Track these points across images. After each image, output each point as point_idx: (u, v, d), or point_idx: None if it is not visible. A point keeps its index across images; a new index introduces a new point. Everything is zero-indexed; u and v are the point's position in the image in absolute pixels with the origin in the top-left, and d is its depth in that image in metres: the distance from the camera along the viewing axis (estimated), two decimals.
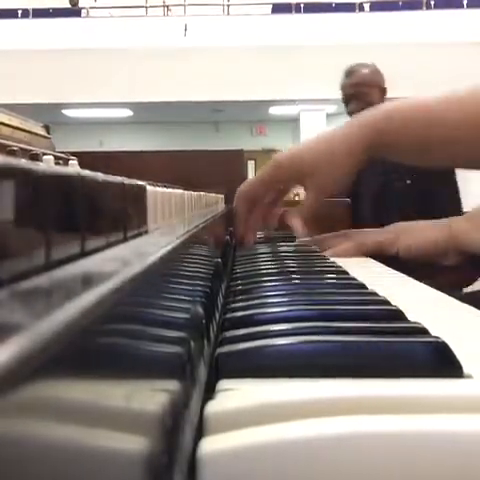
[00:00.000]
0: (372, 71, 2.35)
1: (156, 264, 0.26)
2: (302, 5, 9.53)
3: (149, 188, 0.38)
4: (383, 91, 2.34)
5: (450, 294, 0.62)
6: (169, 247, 0.31)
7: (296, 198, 2.27)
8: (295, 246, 1.00)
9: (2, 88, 7.51)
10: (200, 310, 0.40)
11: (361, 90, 2.31)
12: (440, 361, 0.33)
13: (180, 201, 0.54)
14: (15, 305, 0.15)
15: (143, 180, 0.38)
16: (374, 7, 9.52)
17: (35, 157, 0.92)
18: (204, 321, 0.40)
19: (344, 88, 2.41)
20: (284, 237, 1.09)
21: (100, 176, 0.26)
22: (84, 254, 0.22)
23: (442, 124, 0.90)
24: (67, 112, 9.82)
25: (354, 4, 9.49)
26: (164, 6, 10.12)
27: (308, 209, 0.98)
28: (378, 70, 2.37)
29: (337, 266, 0.75)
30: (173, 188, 0.52)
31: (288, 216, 1.03)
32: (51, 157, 0.90)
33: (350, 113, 2.35)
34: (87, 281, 0.19)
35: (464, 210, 1.90)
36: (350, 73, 2.38)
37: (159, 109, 9.50)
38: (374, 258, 0.95)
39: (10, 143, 0.91)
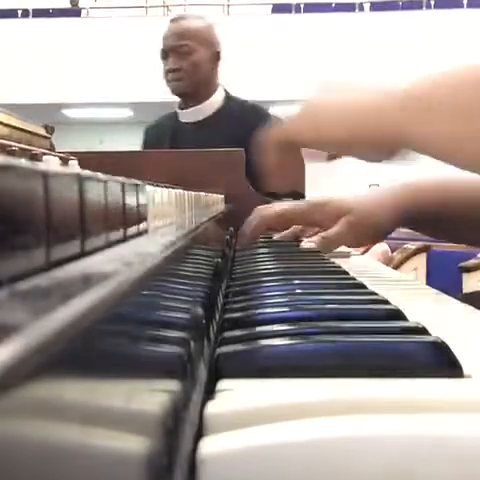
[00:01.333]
0: (206, 26, 1.85)
1: (156, 264, 0.26)
2: (302, 5, 9.52)
3: (149, 188, 0.38)
4: (216, 56, 1.83)
5: (450, 294, 0.62)
6: (169, 247, 0.32)
7: None
8: (295, 246, 0.99)
9: (2, 88, 7.51)
10: (200, 310, 0.40)
11: (186, 43, 1.76)
12: (440, 361, 0.33)
13: (180, 201, 0.54)
14: (15, 305, 0.15)
15: (143, 180, 0.38)
16: (374, 7, 9.51)
17: (35, 157, 0.92)
18: (204, 321, 0.40)
19: (164, 39, 1.80)
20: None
21: (100, 176, 0.26)
22: (84, 254, 0.22)
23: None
24: (67, 112, 9.82)
25: (354, 4, 9.49)
26: (164, 6, 10.11)
27: (336, 241, 0.90)
28: (213, 31, 1.87)
29: (337, 266, 0.75)
30: (173, 188, 0.52)
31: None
32: (56, 158, 0.90)
33: (168, 72, 1.79)
34: (87, 281, 0.19)
35: None
36: (175, 20, 1.84)
37: (159, 109, 9.50)
38: None
39: (10, 143, 0.91)
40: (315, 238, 0.91)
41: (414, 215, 0.85)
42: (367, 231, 0.88)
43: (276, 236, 1.04)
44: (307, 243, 0.91)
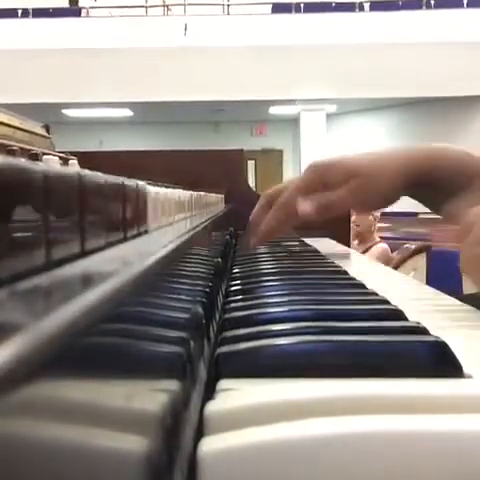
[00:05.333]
0: None
1: (156, 264, 0.26)
2: (302, 5, 9.52)
3: (149, 188, 0.38)
4: None
5: (450, 294, 0.62)
6: (169, 247, 0.31)
7: None
8: (295, 246, 0.99)
9: (2, 88, 7.51)
10: (200, 310, 0.40)
11: None
12: (440, 361, 0.33)
13: (180, 201, 0.54)
14: (15, 305, 0.15)
15: (143, 180, 0.38)
16: (374, 7, 9.51)
17: (35, 157, 0.92)
18: (204, 321, 0.40)
19: None
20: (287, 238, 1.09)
21: (100, 176, 0.26)
22: (84, 254, 0.22)
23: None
24: (67, 112, 9.82)
25: (354, 4, 9.48)
26: (164, 6, 10.11)
27: (339, 203, 0.82)
28: None
29: (337, 266, 0.75)
30: (173, 188, 0.52)
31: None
32: (56, 158, 0.90)
33: None
34: (87, 281, 0.19)
35: None
36: None
37: (159, 109, 9.50)
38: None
39: (10, 143, 0.91)
40: (313, 203, 0.82)
41: (416, 179, 0.81)
42: (373, 196, 0.83)
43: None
44: (304, 205, 0.84)
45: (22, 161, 0.18)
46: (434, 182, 0.81)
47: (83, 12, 9.97)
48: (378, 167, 0.82)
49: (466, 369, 0.33)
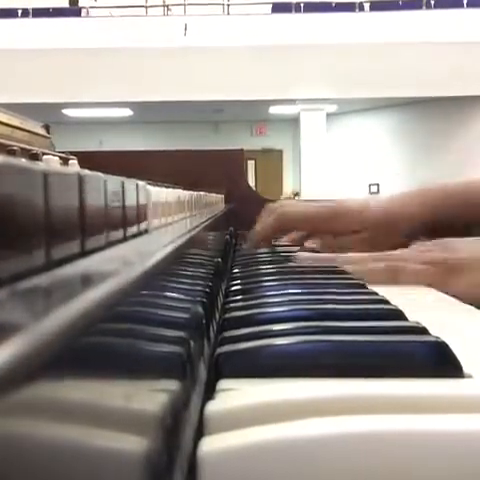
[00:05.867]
0: None
1: (156, 264, 0.26)
2: (302, 5, 9.51)
3: (149, 188, 0.38)
4: None
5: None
6: (169, 247, 0.32)
7: (296, 198, 2.21)
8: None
9: (2, 88, 7.51)
10: (200, 310, 0.40)
11: None
12: (440, 361, 0.33)
13: (180, 201, 0.54)
14: (15, 305, 0.15)
15: (143, 180, 0.38)
16: (374, 7, 9.50)
17: (35, 157, 0.92)
18: (204, 321, 0.40)
19: None
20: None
21: (100, 176, 0.26)
22: (84, 254, 0.22)
23: None
24: (67, 112, 9.82)
25: (354, 4, 9.48)
26: (164, 6, 10.10)
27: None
28: None
29: (336, 266, 0.75)
30: (173, 188, 0.52)
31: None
32: (56, 157, 0.90)
33: None
34: (87, 281, 0.19)
35: None
36: None
37: (159, 109, 9.50)
38: None
39: (10, 143, 0.91)
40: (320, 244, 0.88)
41: (441, 218, 0.82)
42: (388, 241, 0.84)
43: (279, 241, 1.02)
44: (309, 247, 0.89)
45: (22, 161, 0.18)
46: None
47: (83, 12, 9.97)
48: (392, 219, 0.86)
49: (466, 369, 0.33)
